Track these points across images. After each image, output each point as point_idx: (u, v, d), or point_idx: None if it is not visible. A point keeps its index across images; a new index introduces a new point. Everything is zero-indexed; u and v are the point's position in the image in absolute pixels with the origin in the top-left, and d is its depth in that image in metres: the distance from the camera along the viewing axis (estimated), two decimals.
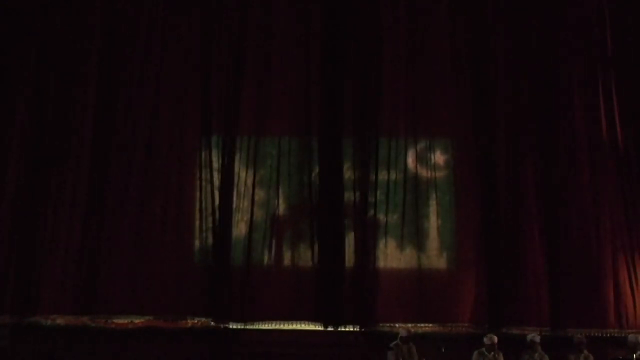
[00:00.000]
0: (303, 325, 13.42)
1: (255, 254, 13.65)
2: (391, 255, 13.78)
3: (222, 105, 14.13)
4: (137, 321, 13.33)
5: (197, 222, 13.74)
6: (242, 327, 13.43)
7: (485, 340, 12.14)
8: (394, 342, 12.36)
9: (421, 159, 14.14)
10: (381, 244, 13.80)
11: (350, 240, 13.72)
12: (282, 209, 13.95)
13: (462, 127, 14.23)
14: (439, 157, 14.22)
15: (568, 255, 13.57)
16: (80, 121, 13.96)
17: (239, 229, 13.82)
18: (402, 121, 14.20)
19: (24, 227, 13.54)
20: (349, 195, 13.91)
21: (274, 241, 13.77)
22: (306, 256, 13.67)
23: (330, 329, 13.42)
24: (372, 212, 13.86)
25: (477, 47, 14.41)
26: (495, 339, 12.14)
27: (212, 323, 13.40)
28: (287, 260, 13.72)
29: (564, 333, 13.03)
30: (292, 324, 13.44)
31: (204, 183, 13.87)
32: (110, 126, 13.95)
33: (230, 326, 13.44)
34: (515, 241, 13.67)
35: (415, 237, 13.82)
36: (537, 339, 12.25)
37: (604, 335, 13.18)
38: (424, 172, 14.10)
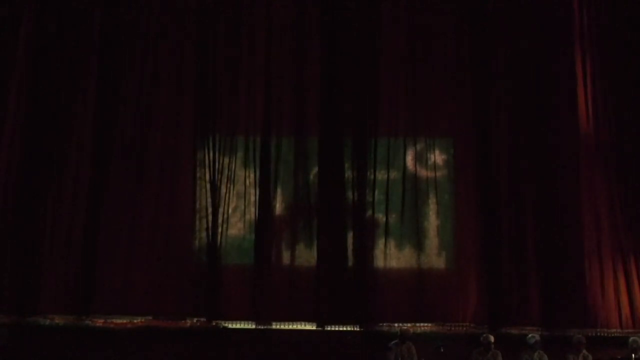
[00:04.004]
0: (302, 325, 13.41)
1: (254, 254, 13.63)
2: (390, 255, 13.74)
3: (221, 105, 14.14)
4: (136, 321, 13.35)
5: (196, 222, 13.75)
6: (242, 327, 13.43)
7: (482, 340, 12.16)
8: (393, 342, 12.35)
9: (420, 158, 14.11)
10: (380, 243, 13.77)
11: (349, 240, 13.71)
12: (281, 208, 13.95)
13: (462, 126, 14.21)
14: (438, 157, 14.19)
15: (567, 254, 13.52)
16: (80, 121, 13.97)
17: (238, 228, 13.87)
18: (401, 120, 14.18)
19: (23, 227, 13.55)
20: (348, 195, 13.89)
21: (273, 241, 13.75)
22: (305, 256, 13.68)
23: (329, 328, 13.40)
24: (371, 211, 13.86)
25: (477, 46, 14.38)
26: (492, 338, 12.13)
27: (212, 323, 13.40)
28: (286, 260, 13.71)
29: (563, 333, 13.00)
30: (291, 324, 13.42)
31: (202, 183, 13.89)
32: (109, 127, 13.97)
33: (230, 326, 13.45)
34: (515, 241, 13.62)
35: (415, 236, 13.79)
36: (537, 338, 12.23)
37: (603, 335, 13.16)
38: (423, 172, 14.07)
